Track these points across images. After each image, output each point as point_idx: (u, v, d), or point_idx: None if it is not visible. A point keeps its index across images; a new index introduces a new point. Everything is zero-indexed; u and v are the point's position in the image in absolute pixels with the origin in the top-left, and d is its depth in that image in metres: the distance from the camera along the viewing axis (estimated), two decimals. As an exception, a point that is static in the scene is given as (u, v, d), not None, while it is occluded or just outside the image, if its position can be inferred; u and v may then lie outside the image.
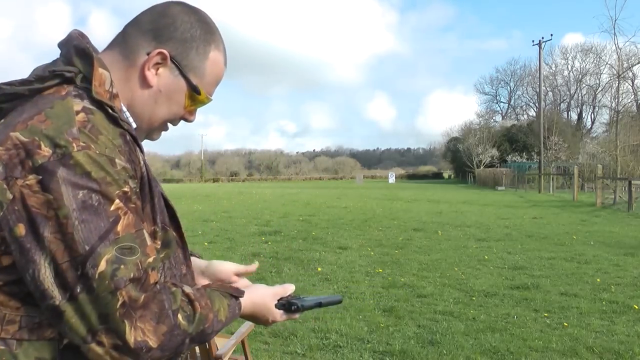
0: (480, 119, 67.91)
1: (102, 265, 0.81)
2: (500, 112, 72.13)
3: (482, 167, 52.87)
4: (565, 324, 4.62)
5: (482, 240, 9.89)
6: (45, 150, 0.81)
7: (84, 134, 0.84)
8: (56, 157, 0.81)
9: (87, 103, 0.90)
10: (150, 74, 0.98)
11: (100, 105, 0.91)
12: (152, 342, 0.85)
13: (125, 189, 0.87)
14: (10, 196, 0.81)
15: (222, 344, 2.75)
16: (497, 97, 72.89)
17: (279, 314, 1.15)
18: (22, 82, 0.92)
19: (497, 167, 50.41)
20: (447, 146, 69.65)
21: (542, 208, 18.79)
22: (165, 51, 0.98)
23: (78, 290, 0.81)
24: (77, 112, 0.87)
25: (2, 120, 0.90)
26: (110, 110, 0.91)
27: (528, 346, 4.07)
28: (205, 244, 9.09)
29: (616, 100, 34.01)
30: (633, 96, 50.76)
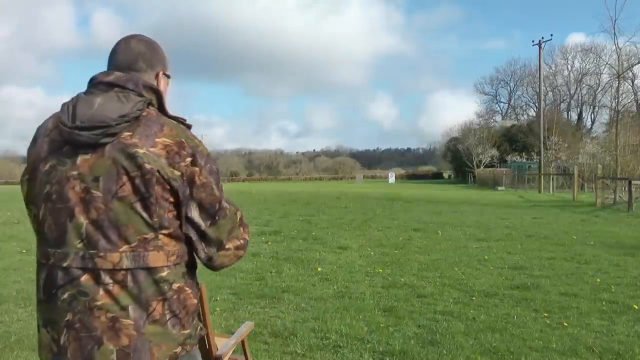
0: (480, 119, 67.97)
1: (225, 202, 1.46)
2: (500, 112, 72.16)
3: (482, 167, 52.89)
4: (565, 324, 4.63)
5: (482, 240, 9.90)
6: (188, 145, 1.38)
7: (194, 135, 1.44)
8: (195, 147, 1.39)
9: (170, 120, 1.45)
10: (162, 85, 1.57)
11: (176, 120, 1.46)
12: (248, 237, 1.55)
13: None
14: (178, 173, 1.35)
15: (222, 344, 2.74)
16: (497, 97, 73.00)
17: None
18: (137, 110, 1.36)
19: (497, 167, 50.41)
20: (447, 146, 69.54)
21: (542, 208, 18.81)
22: (164, 70, 1.59)
23: (217, 217, 1.43)
24: (179, 124, 1.44)
25: (133, 134, 1.34)
26: (186, 122, 1.46)
27: (528, 346, 4.07)
28: (205, 244, 9.07)
29: (616, 100, 34.04)
30: (633, 96, 50.86)
